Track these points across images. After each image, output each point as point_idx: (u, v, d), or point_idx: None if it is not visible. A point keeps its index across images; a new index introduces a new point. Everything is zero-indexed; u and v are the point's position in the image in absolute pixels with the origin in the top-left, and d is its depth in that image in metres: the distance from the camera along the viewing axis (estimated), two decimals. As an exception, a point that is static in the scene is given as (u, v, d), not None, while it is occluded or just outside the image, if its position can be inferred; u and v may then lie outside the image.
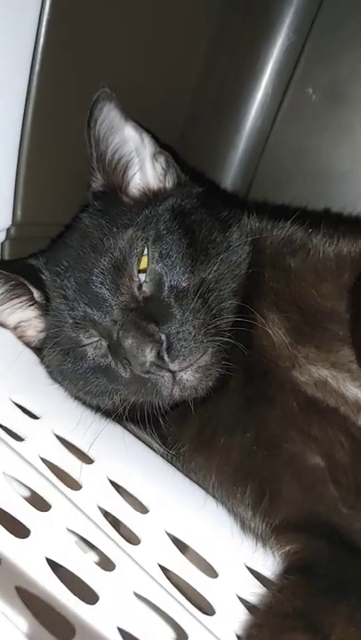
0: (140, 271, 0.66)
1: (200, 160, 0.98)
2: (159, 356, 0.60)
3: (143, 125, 0.76)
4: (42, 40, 0.67)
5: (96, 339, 0.67)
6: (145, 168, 0.76)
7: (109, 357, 0.66)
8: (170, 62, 0.88)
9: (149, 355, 0.59)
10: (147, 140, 0.75)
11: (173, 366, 0.61)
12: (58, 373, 0.73)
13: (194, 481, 0.70)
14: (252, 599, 0.58)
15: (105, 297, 0.65)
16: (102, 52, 0.75)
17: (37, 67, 0.68)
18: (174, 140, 0.88)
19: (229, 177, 1.05)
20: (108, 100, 0.71)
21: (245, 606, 0.57)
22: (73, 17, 0.70)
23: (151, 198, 0.74)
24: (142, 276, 0.66)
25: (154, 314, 0.63)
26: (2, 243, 0.78)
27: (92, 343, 0.68)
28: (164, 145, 0.78)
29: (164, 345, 0.61)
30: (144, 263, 0.66)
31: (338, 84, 0.95)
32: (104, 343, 0.67)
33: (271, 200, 0.97)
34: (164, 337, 0.61)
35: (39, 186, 0.76)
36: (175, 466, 0.72)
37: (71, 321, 0.68)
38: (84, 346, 0.68)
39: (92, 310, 0.66)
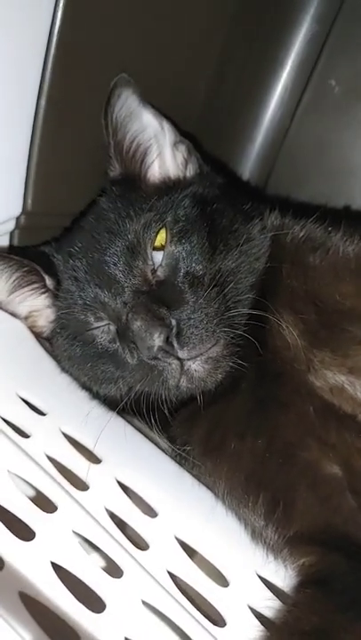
0: (155, 249, 0.64)
1: (215, 154, 0.96)
2: (168, 341, 0.58)
3: (163, 113, 0.74)
4: (57, 27, 0.65)
5: (105, 322, 0.66)
6: (165, 156, 0.74)
7: (117, 342, 0.65)
8: (186, 51, 0.85)
9: (158, 339, 0.58)
10: (167, 127, 0.74)
11: (182, 354, 0.59)
12: (66, 360, 0.72)
13: (204, 484, 0.68)
14: (265, 611, 0.55)
15: (117, 278, 0.64)
16: (118, 43, 0.74)
17: (52, 54, 0.66)
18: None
19: (246, 172, 1.02)
20: (126, 85, 0.70)
21: (258, 618, 0.55)
22: (89, 2, 0.67)
23: (171, 186, 0.72)
24: (158, 260, 0.64)
25: (166, 298, 0.61)
26: (11, 232, 0.76)
27: (100, 327, 0.66)
28: (185, 133, 0.76)
29: (174, 330, 0.59)
30: (160, 241, 0.65)
31: (362, 78, 0.92)
32: (112, 328, 0.66)
33: (290, 196, 0.94)
34: (174, 322, 0.59)
35: (51, 174, 0.74)
36: (184, 467, 0.69)
37: (81, 302, 0.67)
38: (92, 329, 0.67)
39: (103, 292, 0.65)
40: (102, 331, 0.66)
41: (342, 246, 0.67)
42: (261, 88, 0.99)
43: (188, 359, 0.60)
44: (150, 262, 0.64)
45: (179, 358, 0.60)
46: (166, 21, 0.79)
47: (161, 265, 0.64)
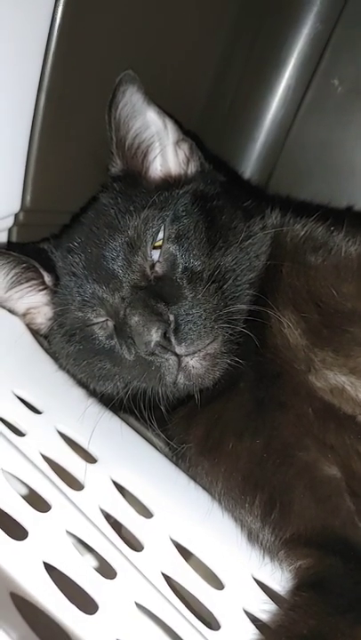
0: (154, 247, 0.64)
1: (217, 152, 0.95)
2: (165, 336, 0.58)
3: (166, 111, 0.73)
4: (58, 21, 0.65)
5: (103, 319, 0.66)
6: (167, 154, 0.74)
7: (114, 339, 0.64)
8: (188, 49, 0.85)
9: (155, 334, 0.57)
10: (170, 125, 0.73)
11: (180, 349, 0.59)
12: (63, 357, 0.71)
13: (200, 485, 0.67)
14: (261, 615, 0.54)
15: (115, 273, 0.64)
16: (119, 38, 0.73)
17: (52, 51, 0.66)
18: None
19: (247, 170, 1.02)
20: (131, 82, 0.69)
21: (253, 622, 0.54)
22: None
23: (172, 183, 0.72)
24: (156, 256, 0.64)
25: (164, 294, 0.61)
26: (10, 228, 0.76)
27: (98, 323, 0.66)
28: (187, 132, 0.76)
29: (172, 326, 0.58)
30: (160, 242, 0.64)
31: (365, 77, 0.91)
32: (110, 324, 0.65)
33: (291, 196, 0.94)
34: (172, 317, 0.59)
35: (50, 172, 0.74)
36: (180, 468, 0.69)
37: (79, 298, 0.66)
38: (90, 326, 0.66)
39: (101, 287, 0.64)
40: (100, 327, 0.66)
41: (345, 246, 0.66)
42: (264, 87, 0.99)
43: (186, 355, 0.59)
44: (149, 258, 0.64)
45: (176, 354, 0.59)
46: (169, 19, 0.79)
47: (159, 260, 0.64)
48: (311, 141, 0.97)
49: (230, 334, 0.62)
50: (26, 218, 0.75)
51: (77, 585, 0.51)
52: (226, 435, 0.64)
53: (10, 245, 0.76)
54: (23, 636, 0.45)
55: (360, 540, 0.56)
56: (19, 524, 0.53)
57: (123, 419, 0.72)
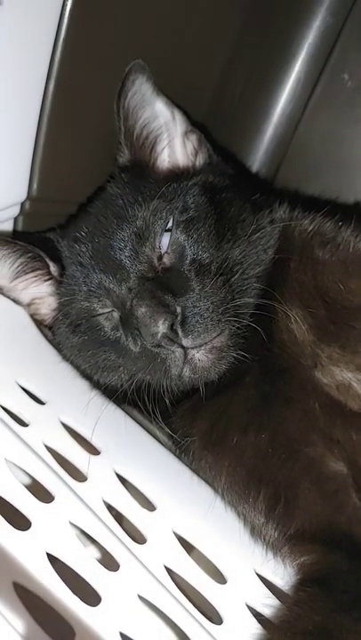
0: (165, 230, 0.63)
1: (224, 146, 0.94)
2: (172, 328, 0.58)
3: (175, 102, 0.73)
4: (68, 10, 0.64)
5: (109, 309, 0.65)
6: (175, 145, 0.74)
7: (120, 330, 0.64)
8: (197, 41, 0.84)
9: (162, 326, 0.57)
10: (178, 117, 0.73)
11: (186, 342, 0.59)
12: (67, 348, 0.71)
13: (203, 479, 0.66)
14: (263, 610, 0.54)
15: (123, 264, 0.63)
16: (129, 27, 0.72)
17: (61, 38, 0.65)
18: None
19: (255, 164, 1.01)
20: (140, 72, 0.69)
21: (256, 617, 0.54)
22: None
23: (180, 175, 0.71)
24: (164, 247, 0.63)
25: (171, 285, 0.61)
26: (16, 217, 0.75)
27: (104, 314, 0.65)
28: (195, 123, 0.76)
29: (179, 318, 0.58)
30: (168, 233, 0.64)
31: (376, 71, 0.90)
32: (116, 315, 0.65)
33: (299, 190, 0.93)
34: (179, 309, 0.59)
35: (57, 161, 0.74)
36: (183, 461, 0.68)
37: (85, 288, 0.66)
38: (95, 316, 0.66)
39: (108, 277, 0.64)
40: (105, 318, 0.65)
41: (353, 242, 0.65)
42: (273, 80, 0.98)
43: (192, 348, 0.59)
44: (157, 249, 0.64)
45: (183, 346, 0.59)
46: (178, 10, 0.78)
47: (167, 252, 0.64)
48: (320, 136, 0.96)
49: (237, 328, 0.62)
50: (32, 207, 0.74)
51: (80, 576, 0.51)
52: (230, 429, 0.63)
53: (15, 234, 0.76)
54: (26, 626, 0.44)
55: (365, 536, 0.56)
56: (22, 514, 0.53)
57: (126, 411, 0.71)
